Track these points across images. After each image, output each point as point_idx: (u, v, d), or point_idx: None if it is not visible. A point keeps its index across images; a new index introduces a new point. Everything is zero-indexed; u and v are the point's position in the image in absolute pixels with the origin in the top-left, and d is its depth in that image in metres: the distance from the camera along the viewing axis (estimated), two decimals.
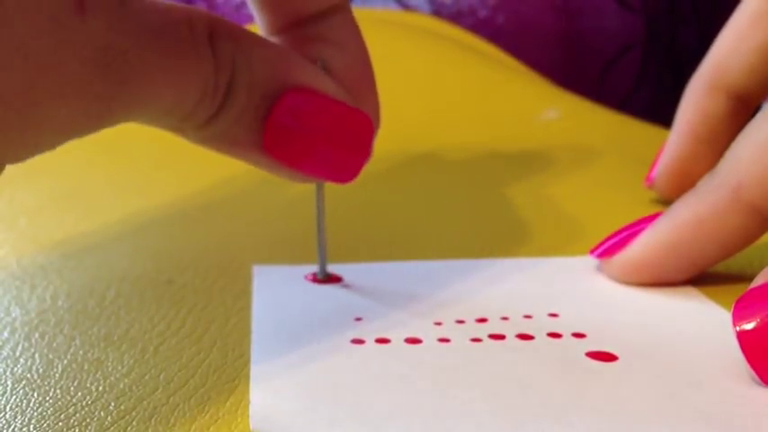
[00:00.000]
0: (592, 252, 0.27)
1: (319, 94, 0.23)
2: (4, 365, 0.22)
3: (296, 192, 0.35)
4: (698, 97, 0.33)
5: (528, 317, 0.24)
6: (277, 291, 0.26)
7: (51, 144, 0.19)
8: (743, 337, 0.21)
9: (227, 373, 0.21)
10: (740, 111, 0.32)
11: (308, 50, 0.25)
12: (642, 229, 0.26)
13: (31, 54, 0.17)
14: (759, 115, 0.26)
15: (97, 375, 0.21)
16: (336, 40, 0.25)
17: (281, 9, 0.25)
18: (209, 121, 0.21)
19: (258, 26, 0.26)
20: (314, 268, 0.27)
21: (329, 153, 0.24)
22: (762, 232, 0.25)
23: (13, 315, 0.24)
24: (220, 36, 0.21)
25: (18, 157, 0.18)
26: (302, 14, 0.25)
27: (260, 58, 0.22)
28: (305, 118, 0.23)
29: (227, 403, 0.20)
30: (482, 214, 0.34)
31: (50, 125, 0.18)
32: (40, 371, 0.21)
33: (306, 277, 0.27)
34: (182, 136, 0.22)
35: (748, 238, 0.26)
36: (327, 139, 0.23)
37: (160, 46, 0.19)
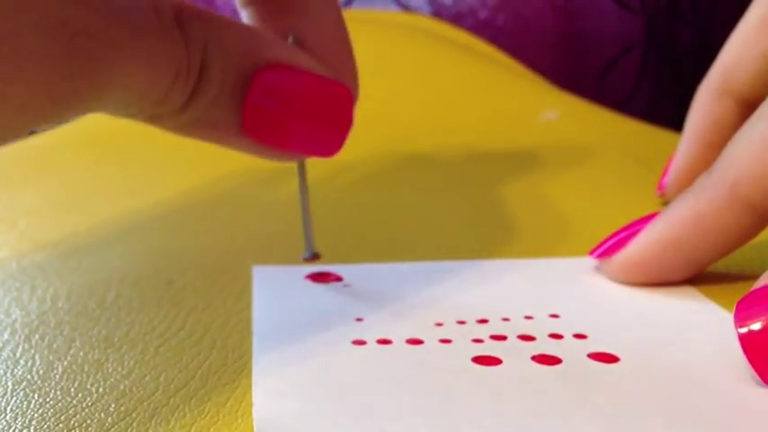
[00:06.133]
0: (591, 253, 0.27)
1: (294, 68, 0.22)
2: (4, 367, 0.22)
3: (295, 192, 0.35)
4: (706, 104, 0.33)
5: (529, 318, 0.24)
6: (277, 292, 0.26)
7: (13, 131, 0.18)
8: (745, 338, 0.21)
9: (228, 375, 0.21)
10: (749, 116, 0.32)
11: (282, 22, 0.24)
12: (640, 228, 0.26)
13: None
14: (755, 114, 0.26)
15: (97, 377, 0.21)
16: (311, 11, 0.24)
17: None
18: (185, 106, 0.21)
19: None
20: (314, 269, 0.27)
21: (310, 128, 0.23)
22: (759, 230, 0.25)
23: (14, 316, 0.24)
24: (188, 18, 0.20)
25: None
26: None
27: (231, 38, 0.21)
28: (282, 95, 0.22)
29: (228, 404, 0.20)
30: (482, 215, 0.34)
31: (9, 106, 0.17)
32: (41, 372, 0.21)
33: (305, 277, 0.27)
34: (159, 125, 0.22)
35: (745, 236, 0.26)
36: (307, 115, 0.23)
37: (127, 25, 0.19)
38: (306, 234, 0.26)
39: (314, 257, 0.26)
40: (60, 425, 0.19)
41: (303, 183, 0.25)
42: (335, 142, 0.24)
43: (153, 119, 0.21)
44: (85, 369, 0.21)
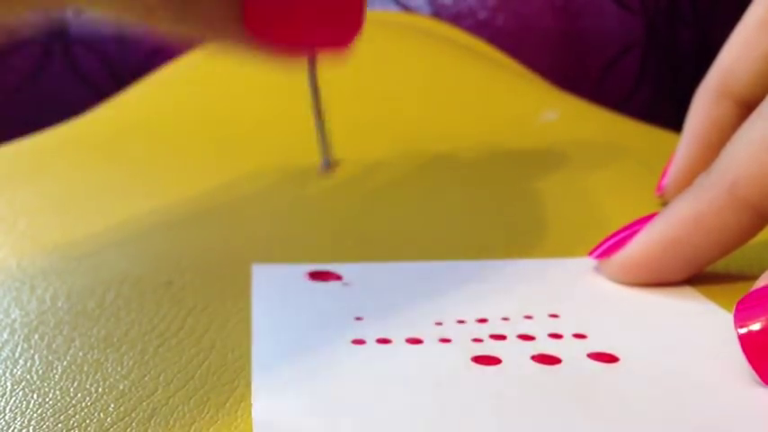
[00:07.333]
0: (590, 254, 0.27)
1: None
2: (3, 367, 0.22)
3: (295, 192, 0.35)
4: (706, 105, 0.33)
5: (528, 317, 0.24)
6: (277, 290, 0.26)
7: None
8: (745, 338, 0.21)
9: (227, 374, 0.21)
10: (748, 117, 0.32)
11: None
12: (640, 229, 0.26)
13: None
14: (753, 114, 0.26)
15: (97, 377, 0.21)
16: None
17: None
18: (181, 4, 0.20)
19: None
20: (314, 267, 0.27)
21: (318, 22, 0.22)
22: (758, 230, 0.25)
23: (13, 316, 0.24)
24: None
25: None
26: None
27: None
28: None
29: (227, 404, 0.20)
30: (481, 216, 0.34)
31: None
32: (40, 372, 0.21)
33: (305, 275, 0.27)
34: (156, 25, 0.20)
35: (744, 236, 0.25)
36: (314, 6, 0.22)
37: None
38: (320, 140, 0.24)
39: (331, 166, 0.25)
40: (59, 425, 0.19)
41: (314, 85, 0.24)
42: (345, 37, 0.22)
43: (148, 17, 0.20)
44: (85, 369, 0.21)
